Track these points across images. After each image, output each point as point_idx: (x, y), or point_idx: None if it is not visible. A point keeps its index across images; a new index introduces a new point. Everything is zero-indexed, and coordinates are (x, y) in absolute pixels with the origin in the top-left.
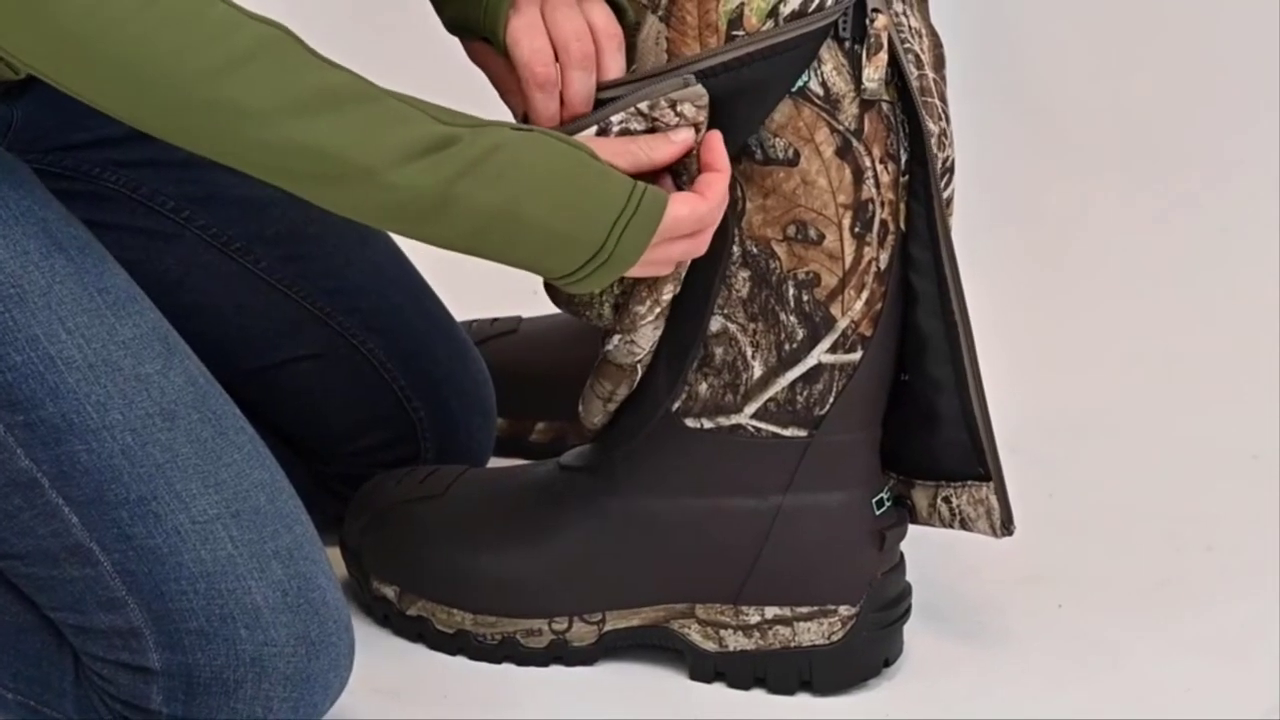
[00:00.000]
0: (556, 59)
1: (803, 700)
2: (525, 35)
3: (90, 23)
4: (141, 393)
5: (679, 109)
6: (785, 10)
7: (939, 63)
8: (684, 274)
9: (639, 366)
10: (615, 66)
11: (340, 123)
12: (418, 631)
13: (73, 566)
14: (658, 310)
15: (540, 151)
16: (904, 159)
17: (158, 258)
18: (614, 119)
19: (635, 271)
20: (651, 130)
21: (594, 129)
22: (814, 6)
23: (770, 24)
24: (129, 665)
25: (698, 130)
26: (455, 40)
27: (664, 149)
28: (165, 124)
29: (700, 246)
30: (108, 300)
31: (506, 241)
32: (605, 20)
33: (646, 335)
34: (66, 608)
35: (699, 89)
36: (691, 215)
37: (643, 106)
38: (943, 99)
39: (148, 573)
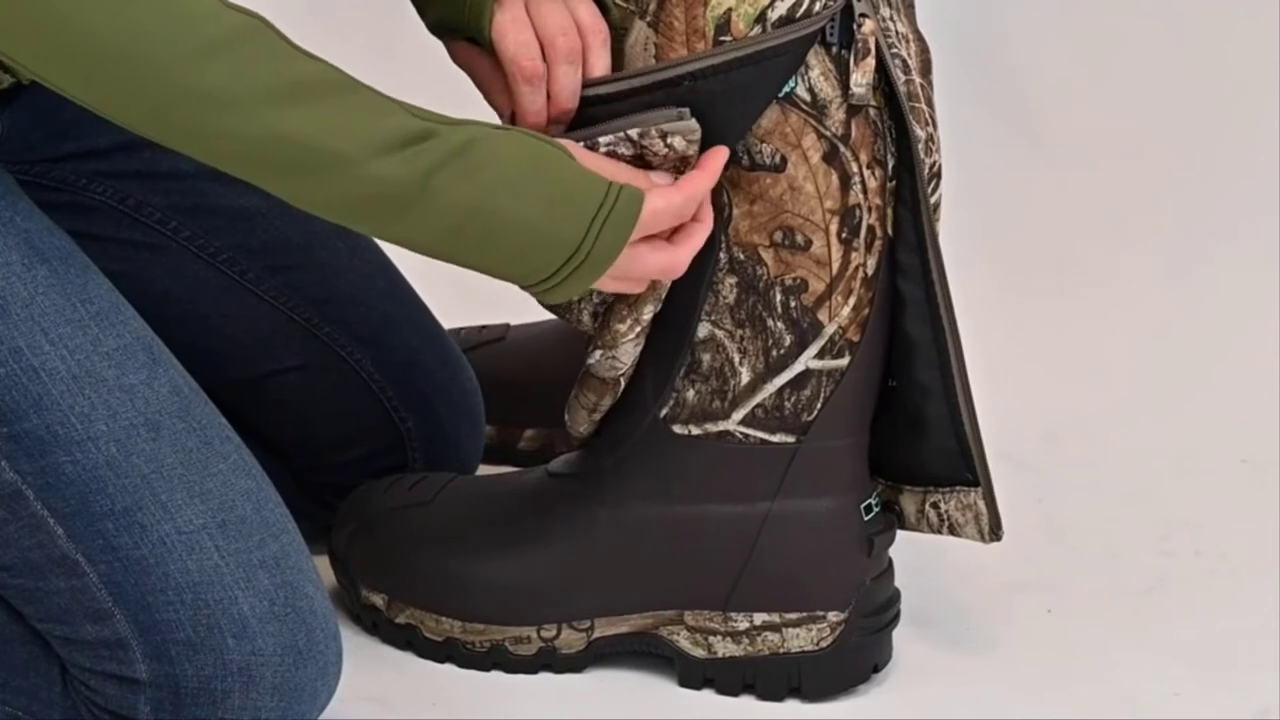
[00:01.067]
0: (543, 56)
1: (792, 706)
2: (511, 29)
3: (68, 3)
4: (126, 403)
5: (669, 140)
6: (773, 16)
7: (926, 68)
8: (664, 293)
9: (621, 380)
10: (601, 63)
11: (318, 113)
12: (406, 639)
13: (59, 578)
14: (638, 329)
15: (518, 147)
16: (891, 164)
17: (144, 269)
18: (602, 140)
19: (612, 285)
20: (639, 157)
21: (581, 144)
22: (801, 12)
23: (758, 29)
24: (116, 676)
25: (685, 164)
26: (441, 44)
27: (640, 183)
28: (140, 113)
29: (678, 261)
30: (91, 311)
31: (482, 239)
32: (591, 17)
33: (628, 352)
34: (53, 619)
35: (693, 124)
36: (668, 207)
37: (633, 133)
38: (930, 104)
39: (134, 584)
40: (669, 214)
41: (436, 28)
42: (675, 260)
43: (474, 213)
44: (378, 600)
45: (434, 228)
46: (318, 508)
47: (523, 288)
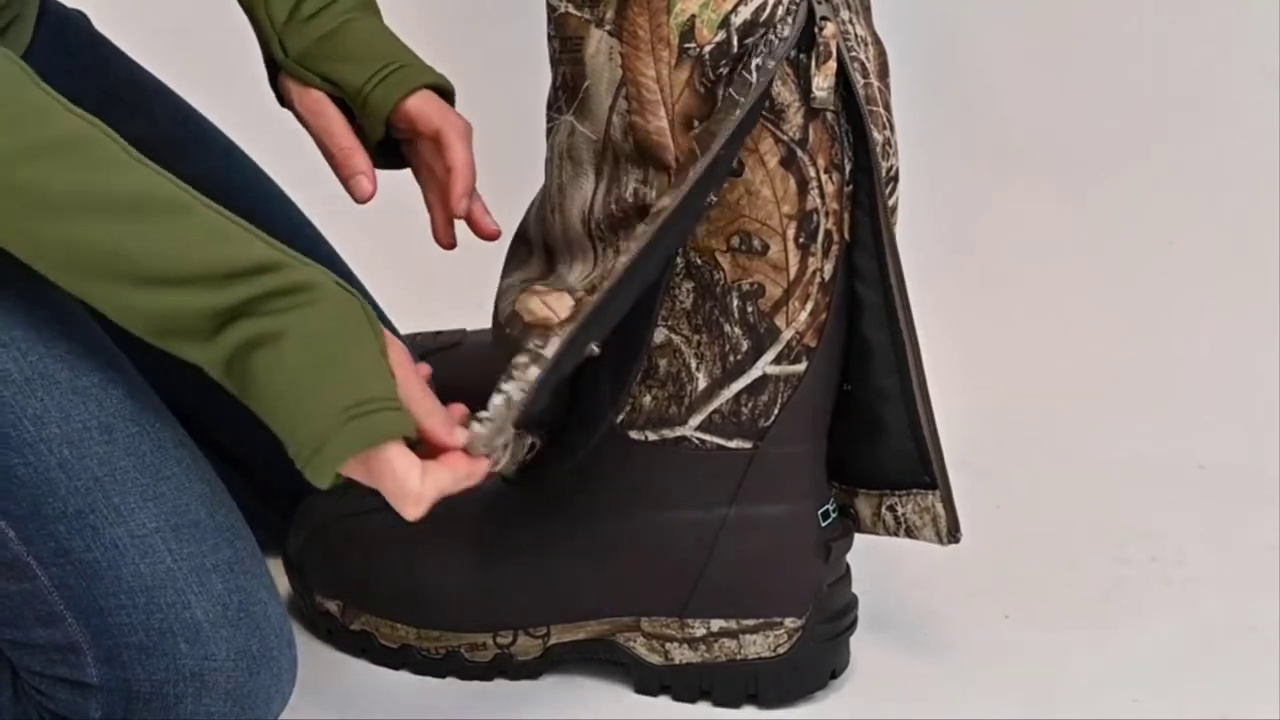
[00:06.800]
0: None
1: (749, 713)
2: (434, 105)
3: None
4: (79, 406)
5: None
6: (736, 21)
7: (883, 71)
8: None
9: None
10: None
11: (144, 230)
12: (361, 646)
13: (9, 581)
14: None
15: (337, 306)
16: (848, 168)
17: None
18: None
19: (355, 470)
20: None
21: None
22: (765, 16)
23: (722, 35)
24: (67, 680)
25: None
26: None
27: (441, 430)
28: None
29: (402, 508)
30: (45, 314)
31: (266, 375)
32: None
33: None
34: (4, 623)
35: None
36: (401, 477)
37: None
38: (887, 107)
39: (86, 587)
40: (400, 476)
41: (299, 62)
42: (402, 504)
43: (263, 339)
44: (332, 607)
45: (224, 349)
46: (275, 515)
47: (292, 456)
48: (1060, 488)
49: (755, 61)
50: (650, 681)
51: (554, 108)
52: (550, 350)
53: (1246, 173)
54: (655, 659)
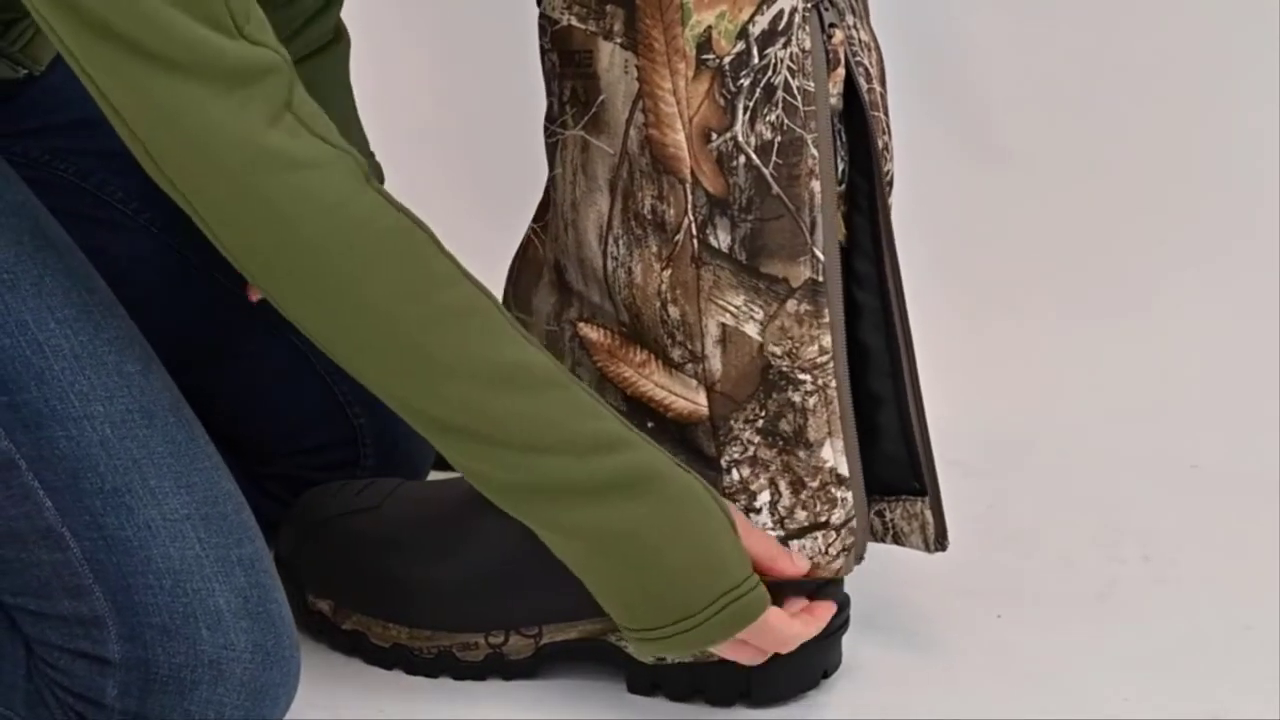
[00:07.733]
0: None
1: (741, 712)
2: None
3: (316, 225)
4: (123, 389)
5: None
6: (755, 31)
7: (882, 75)
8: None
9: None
10: None
11: (527, 401)
12: (353, 646)
13: (42, 550)
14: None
15: (690, 495)
16: (841, 168)
17: (106, 247)
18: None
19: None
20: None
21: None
22: (782, 25)
23: (741, 45)
24: (87, 654)
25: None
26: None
27: (789, 567)
28: (352, 347)
29: (783, 650)
30: (94, 299)
31: (619, 561)
32: None
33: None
34: (29, 592)
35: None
36: (781, 631)
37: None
38: (886, 112)
39: (116, 563)
40: (778, 637)
41: None
42: (798, 638)
43: (624, 537)
44: (324, 606)
45: (583, 533)
46: (268, 502)
47: (623, 628)
48: (1053, 487)
49: (795, 83)
50: (642, 680)
51: (557, 122)
52: (844, 468)
53: (1243, 172)
54: (648, 658)
